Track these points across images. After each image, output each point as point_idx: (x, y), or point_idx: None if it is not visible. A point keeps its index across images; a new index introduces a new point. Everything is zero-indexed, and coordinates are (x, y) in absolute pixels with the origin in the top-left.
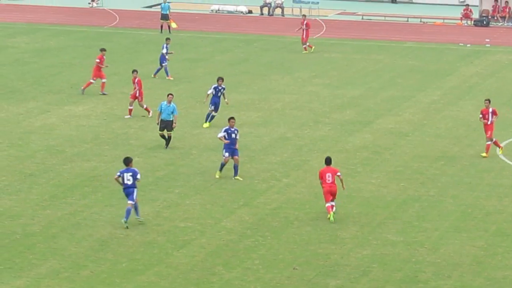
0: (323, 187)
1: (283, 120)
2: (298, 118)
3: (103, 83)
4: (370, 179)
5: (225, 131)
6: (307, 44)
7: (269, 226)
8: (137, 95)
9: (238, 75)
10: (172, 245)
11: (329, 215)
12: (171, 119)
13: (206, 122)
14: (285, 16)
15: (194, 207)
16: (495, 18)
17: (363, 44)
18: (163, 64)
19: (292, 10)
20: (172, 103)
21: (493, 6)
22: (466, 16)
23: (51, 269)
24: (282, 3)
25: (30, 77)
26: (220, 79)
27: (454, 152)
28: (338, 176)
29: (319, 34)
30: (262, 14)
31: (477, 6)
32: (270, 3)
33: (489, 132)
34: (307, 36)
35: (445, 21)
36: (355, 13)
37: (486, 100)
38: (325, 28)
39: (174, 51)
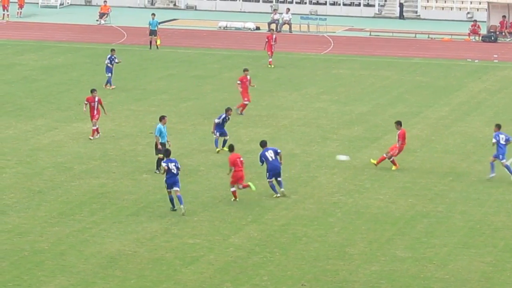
0: (235, 172)
1: (291, 137)
2: (306, 135)
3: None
4: (378, 195)
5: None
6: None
7: (277, 243)
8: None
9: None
10: (180, 261)
11: (234, 198)
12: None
13: (217, 147)
14: (293, 33)
15: (203, 223)
16: (503, 34)
17: (370, 60)
18: (108, 75)
19: (300, 26)
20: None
21: (500, 22)
22: (474, 32)
23: (60, 286)
24: (289, 20)
25: (38, 94)
26: (229, 109)
27: (462, 168)
28: (242, 161)
29: (326, 51)
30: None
31: (485, 22)
32: (277, 20)
33: None
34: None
35: (453, 37)
36: (362, 29)
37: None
38: (332, 44)
39: (178, 67)
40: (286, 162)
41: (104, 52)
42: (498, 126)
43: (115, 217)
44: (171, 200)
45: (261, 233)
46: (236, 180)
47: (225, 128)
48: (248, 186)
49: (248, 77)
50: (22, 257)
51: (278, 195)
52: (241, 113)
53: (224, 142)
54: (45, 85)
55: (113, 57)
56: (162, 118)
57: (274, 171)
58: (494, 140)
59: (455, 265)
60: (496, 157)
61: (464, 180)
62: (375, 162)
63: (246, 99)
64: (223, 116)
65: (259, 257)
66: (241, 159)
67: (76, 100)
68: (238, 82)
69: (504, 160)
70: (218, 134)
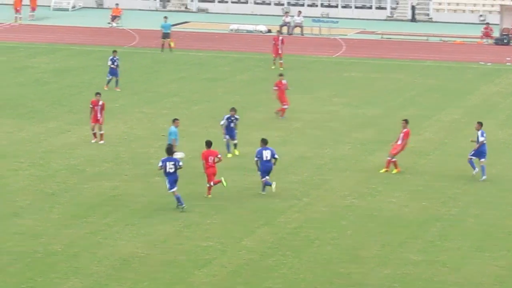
0: (206, 168)
1: (303, 139)
2: (318, 137)
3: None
4: (391, 198)
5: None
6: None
7: (290, 246)
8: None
9: (258, 94)
10: (193, 264)
11: (208, 195)
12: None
13: (228, 152)
14: (305, 36)
15: (215, 226)
16: None
17: (382, 63)
18: (109, 77)
19: (312, 29)
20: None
21: None
22: (487, 34)
23: None
24: (301, 23)
25: (51, 97)
26: (233, 109)
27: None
28: (219, 158)
29: (338, 53)
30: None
31: (498, 24)
32: (289, 22)
33: None
34: (276, 52)
35: (465, 39)
36: (374, 32)
37: None
38: (344, 47)
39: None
40: (298, 164)
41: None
42: (481, 124)
43: (128, 220)
44: (178, 198)
45: (273, 236)
46: (208, 176)
47: (235, 131)
48: (220, 181)
49: (284, 81)
50: (36, 259)
51: (264, 192)
52: (281, 117)
53: (235, 145)
54: (57, 87)
55: (115, 58)
56: (174, 121)
57: (266, 172)
58: (482, 138)
59: (469, 268)
60: (477, 155)
61: (477, 183)
62: (385, 170)
63: (284, 103)
64: (227, 116)
65: (272, 260)
66: (219, 156)
67: (88, 103)
68: (275, 88)
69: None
70: (228, 137)
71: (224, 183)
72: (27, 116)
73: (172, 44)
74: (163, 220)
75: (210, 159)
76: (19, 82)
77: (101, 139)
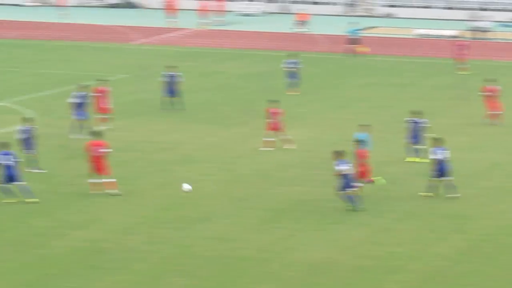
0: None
1: (494, 145)
2: (510, 143)
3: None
4: None
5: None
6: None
7: (482, 253)
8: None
9: (445, 100)
10: (384, 270)
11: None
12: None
13: (410, 157)
14: (493, 41)
15: (406, 232)
16: None
17: None
18: (290, 80)
19: (500, 34)
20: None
21: None
22: None
23: None
24: (490, 27)
25: (238, 102)
26: (417, 112)
27: None
28: (101, 153)
29: None
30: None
31: None
32: (478, 27)
33: None
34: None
35: None
36: None
37: None
38: None
39: (377, 75)
40: (489, 170)
41: (304, 61)
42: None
43: (318, 225)
44: (350, 199)
45: (465, 242)
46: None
47: (421, 137)
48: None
49: (497, 87)
50: (227, 264)
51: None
52: (495, 123)
53: (416, 151)
54: (245, 93)
55: (294, 61)
56: (365, 126)
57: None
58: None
59: None
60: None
61: None
62: None
63: (494, 109)
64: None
65: (464, 267)
66: (101, 150)
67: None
68: (486, 93)
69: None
70: (413, 141)
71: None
72: (215, 121)
73: (364, 49)
74: (353, 226)
75: (93, 149)
76: (207, 87)
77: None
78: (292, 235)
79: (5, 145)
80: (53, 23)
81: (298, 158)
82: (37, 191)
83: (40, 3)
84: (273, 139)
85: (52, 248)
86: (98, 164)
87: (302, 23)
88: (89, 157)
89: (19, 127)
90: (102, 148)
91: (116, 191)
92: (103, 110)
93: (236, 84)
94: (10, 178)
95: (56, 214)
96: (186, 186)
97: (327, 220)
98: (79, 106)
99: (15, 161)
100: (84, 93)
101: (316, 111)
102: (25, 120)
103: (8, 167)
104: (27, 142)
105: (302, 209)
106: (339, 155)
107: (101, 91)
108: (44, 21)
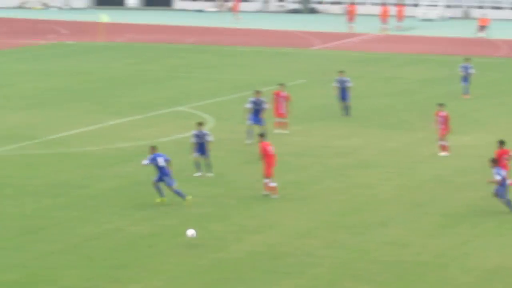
0: None
1: None
2: None
3: None
4: None
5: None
6: None
7: None
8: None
9: None
10: None
11: None
12: None
13: None
14: None
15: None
16: None
17: None
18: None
19: None
20: None
21: None
22: None
23: None
24: None
25: (418, 107)
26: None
27: None
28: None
29: None
30: None
31: None
32: None
33: None
34: None
35: None
36: None
37: None
38: None
39: None
40: None
41: (481, 66)
42: None
43: (497, 230)
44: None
45: None
46: None
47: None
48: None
49: None
50: (404, 269)
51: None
52: None
53: None
54: (425, 97)
55: (469, 65)
56: None
57: None
58: None
59: None
60: None
61: None
62: None
63: None
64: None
65: None
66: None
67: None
68: None
69: None
70: None
71: None
72: (395, 126)
73: None
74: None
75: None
76: (387, 92)
77: (445, 151)
78: (470, 240)
79: (154, 148)
80: (231, 29)
81: (478, 164)
82: (213, 196)
83: (217, 8)
84: (447, 143)
85: (229, 252)
86: (269, 165)
87: (483, 28)
88: (263, 158)
89: (193, 131)
90: (271, 148)
91: (276, 196)
92: (281, 115)
93: (415, 89)
94: (161, 178)
95: (233, 219)
96: (190, 232)
97: (506, 225)
98: (255, 112)
99: (167, 161)
100: (261, 98)
101: (495, 116)
102: (199, 124)
103: (160, 168)
104: (200, 146)
105: (481, 214)
106: (495, 162)
107: (281, 96)
108: (221, 26)
